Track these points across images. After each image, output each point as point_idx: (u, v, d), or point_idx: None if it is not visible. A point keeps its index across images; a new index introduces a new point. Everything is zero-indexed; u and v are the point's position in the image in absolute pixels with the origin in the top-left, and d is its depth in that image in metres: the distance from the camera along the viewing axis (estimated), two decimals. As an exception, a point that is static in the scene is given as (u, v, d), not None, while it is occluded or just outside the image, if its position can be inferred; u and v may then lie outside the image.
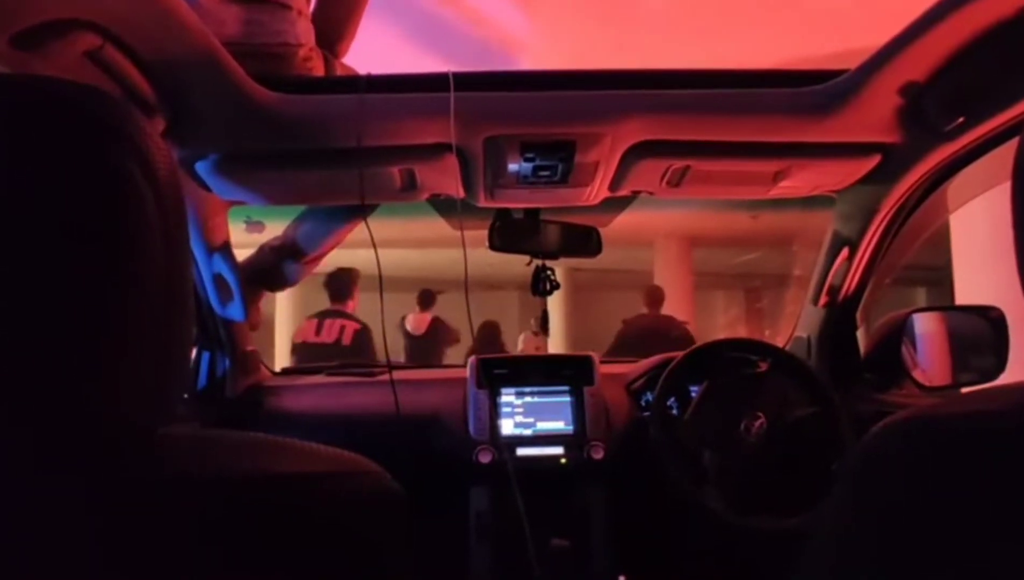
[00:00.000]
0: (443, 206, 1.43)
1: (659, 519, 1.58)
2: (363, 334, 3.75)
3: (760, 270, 9.64)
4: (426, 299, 5.42)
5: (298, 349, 3.70)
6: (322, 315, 3.82)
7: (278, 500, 0.51)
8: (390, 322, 1.28)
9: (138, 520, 0.46)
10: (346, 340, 3.68)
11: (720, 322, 11.79)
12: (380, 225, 1.27)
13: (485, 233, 1.44)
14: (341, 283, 3.92)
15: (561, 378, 1.64)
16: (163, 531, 0.47)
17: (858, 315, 1.60)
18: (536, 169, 1.21)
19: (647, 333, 4.28)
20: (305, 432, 1.39)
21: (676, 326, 4.57)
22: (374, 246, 1.20)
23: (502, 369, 1.65)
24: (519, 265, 1.52)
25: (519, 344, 8.36)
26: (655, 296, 4.76)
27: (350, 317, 3.84)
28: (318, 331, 3.71)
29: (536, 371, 1.66)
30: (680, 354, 1.54)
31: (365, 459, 0.57)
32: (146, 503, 0.47)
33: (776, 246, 7.31)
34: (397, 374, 1.58)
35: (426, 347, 4.91)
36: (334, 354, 3.45)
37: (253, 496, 0.50)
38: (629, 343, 4.36)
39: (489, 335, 4.34)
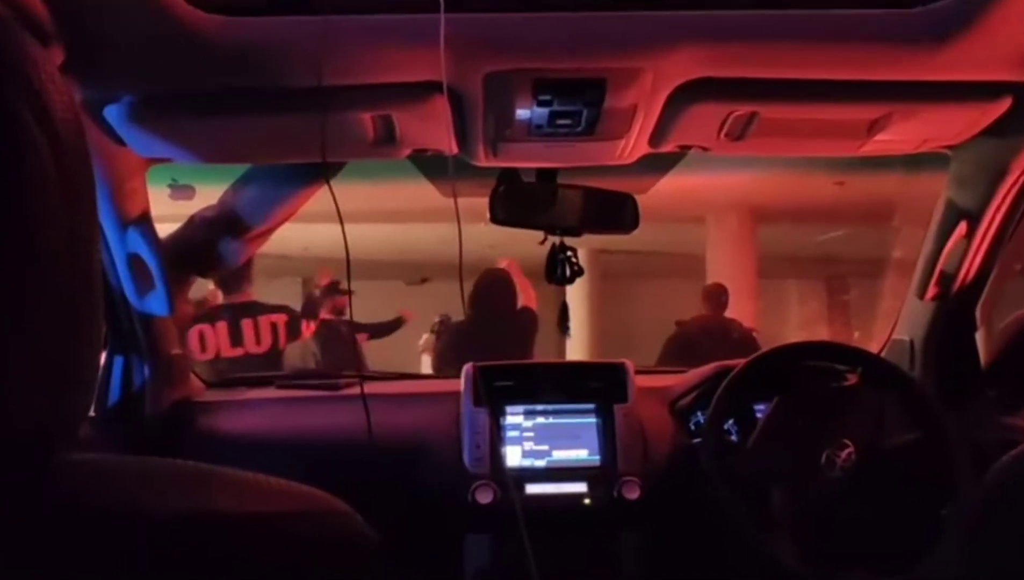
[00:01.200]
0: (430, 166, 1.43)
1: (713, 577, 1.59)
2: (295, 326, 3.60)
3: (847, 253, 9.61)
4: None
5: (215, 369, 3.41)
6: (231, 313, 3.39)
7: (214, 545, 0.51)
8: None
9: (26, 565, 0.46)
10: (284, 341, 3.46)
11: (793, 320, 11.80)
12: (348, 191, 1.26)
13: (485, 202, 1.45)
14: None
15: (585, 393, 1.65)
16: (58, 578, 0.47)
17: (978, 312, 1.59)
18: (553, 116, 1.21)
19: (704, 337, 4.33)
20: (249, 462, 1.40)
21: (737, 329, 4.66)
22: (340, 219, 1.20)
23: (507, 380, 1.65)
24: (530, 244, 1.52)
25: (420, 345, 8.38)
26: (717, 297, 4.83)
27: (269, 307, 3.54)
28: (236, 339, 3.41)
29: (552, 383, 1.67)
30: (741, 362, 1.55)
31: (329, 496, 0.57)
32: (38, 544, 0.47)
33: (869, 221, 7.28)
34: (371, 386, 1.59)
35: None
36: (276, 368, 3.35)
37: (181, 538, 0.50)
38: (683, 351, 4.40)
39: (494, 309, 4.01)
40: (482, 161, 1.38)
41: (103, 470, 0.53)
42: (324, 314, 5.34)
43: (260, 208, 1.64)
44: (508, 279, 3.85)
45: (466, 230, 1.17)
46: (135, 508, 0.50)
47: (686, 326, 4.75)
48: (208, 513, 0.53)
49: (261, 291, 3.92)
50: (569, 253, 1.50)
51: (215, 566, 0.51)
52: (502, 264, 4.12)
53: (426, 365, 6.45)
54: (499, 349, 3.27)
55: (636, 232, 1.52)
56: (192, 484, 0.55)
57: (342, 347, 4.17)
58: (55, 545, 0.47)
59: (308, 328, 4.07)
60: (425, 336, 8.71)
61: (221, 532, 0.52)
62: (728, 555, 1.51)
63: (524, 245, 1.50)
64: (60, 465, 0.51)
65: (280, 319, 3.43)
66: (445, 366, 3.84)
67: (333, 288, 5.43)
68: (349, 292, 1.33)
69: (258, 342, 3.32)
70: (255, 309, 3.42)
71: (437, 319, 8.57)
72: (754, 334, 4.71)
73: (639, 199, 1.53)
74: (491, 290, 3.72)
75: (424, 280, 5.50)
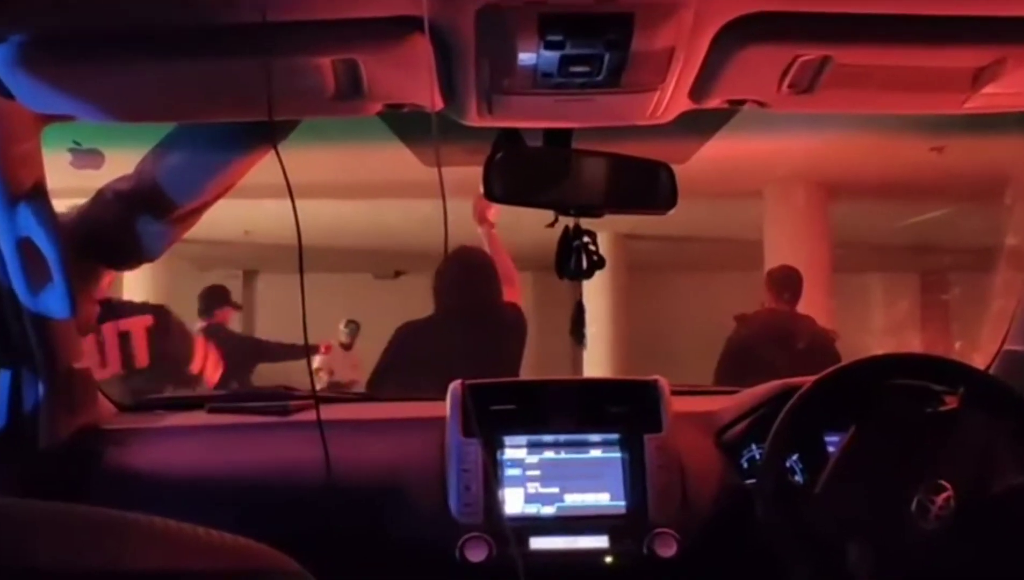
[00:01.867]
0: (408, 126, 1.44)
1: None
2: (163, 334, 3.35)
3: (947, 239, 9.62)
4: None
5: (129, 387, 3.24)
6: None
7: None
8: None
9: None
10: (144, 356, 3.04)
11: (876, 326, 11.82)
12: (302, 158, 1.26)
13: (478, 172, 1.45)
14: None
15: (607, 419, 1.67)
16: None
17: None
18: (566, 62, 1.20)
19: (770, 341, 4.26)
20: (173, 506, 1.40)
21: (813, 331, 4.57)
22: (290, 194, 1.21)
23: (506, 402, 1.67)
24: (536, 226, 1.52)
25: (316, 361, 8.34)
26: (788, 282, 4.71)
27: (127, 307, 3.36)
28: None
29: (565, 407, 1.68)
30: (808, 380, 1.55)
31: (274, 551, 0.57)
32: None
33: (975, 199, 7.27)
34: (329, 410, 1.61)
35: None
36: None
37: None
38: (744, 361, 4.34)
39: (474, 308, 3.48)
40: (474, 119, 1.38)
41: None
42: (205, 322, 5.46)
43: (188, 180, 1.64)
44: (486, 263, 3.50)
45: (454, 209, 1.17)
46: (24, 564, 0.51)
47: (748, 324, 4.67)
48: (118, 572, 0.53)
49: (189, 287, 3.94)
50: (586, 239, 1.50)
51: None
52: (480, 226, 3.73)
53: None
54: (472, 364, 3.07)
55: (673, 211, 1.52)
56: (98, 535, 0.55)
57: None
58: None
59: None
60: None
61: None
62: (790, 629, 1.54)
63: (528, 228, 1.51)
64: None
65: (138, 325, 3.04)
66: (386, 387, 3.43)
67: (217, 295, 5.62)
68: (302, 287, 1.33)
69: (103, 362, 2.86)
70: (107, 311, 2.94)
71: (344, 325, 8.60)
72: (834, 339, 4.60)
73: (677, 169, 1.53)
74: (462, 277, 3.42)
75: (398, 273, 5.52)
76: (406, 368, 3.23)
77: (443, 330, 3.31)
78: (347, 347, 8.75)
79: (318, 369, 8.00)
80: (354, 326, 8.67)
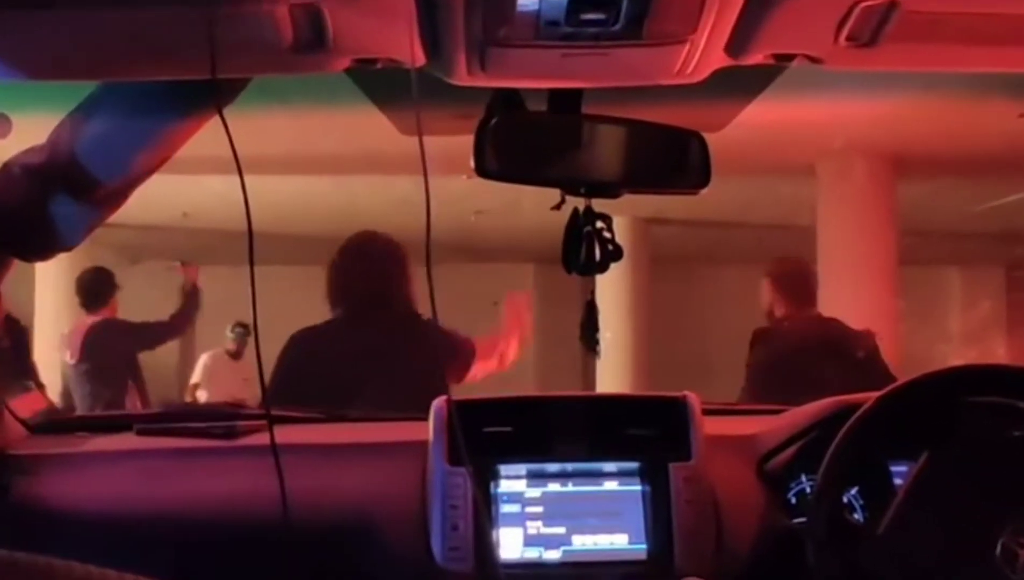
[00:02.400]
0: (382, 86, 1.44)
1: None
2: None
3: (1040, 225, 9.63)
4: None
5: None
6: None
7: None
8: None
9: None
10: None
11: (953, 330, 11.82)
12: (252, 126, 1.26)
13: (468, 143, 1.45)
14: None
15: (625, 444, 1.68)
16: None
17: None
18: (575, 8, 1.17)
19: (805, 353, 4.21)
20: (96, 547, 1.40)
21: (852, 338, 4.53)
22: (239, 169, 1.20)
23: (502, 424, 1.68)
24: (539, 208, 1.52)
25: (196, 373, 8.39)
26: (801, 280, 4.67)
27: None
28: None
29: (573, 429, 1.70)
30: (869, 397, 1.56)
31: None
32: None
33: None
34: (285, 432, 1.60)
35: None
36: None
37: None
38: (783, 384, 4.25)
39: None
40: (464, 78, 1.37)
41: None
42: (93, 318, 5.43)
43: (114, 151, 1.64)
44: (395, 252, 3.42)
45: (441, 188, 1.17)
46: None
47: (775, 331, 4.58)
48: None
49: (119, 280, 3.95)
50: (600, 224, 1.50)
51: None
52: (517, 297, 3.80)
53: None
54: (380, 380, 2.98)
55: (706, 191, 1.51)
56: None
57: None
58: None
59: None
60: (203, 359, 8.64)
61: None
62: None
63: (531, 212, 1.51)
64: None
65: None
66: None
67: (103, 281, 5.61)
68: (252, 280, 1.33)
69: None
70: None
71: (230, 329, 8.34)
72: (877, 344, 4.50)
73: (710, 139, 1.53)
74: (362, 269, 3.38)
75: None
76: (301, 385, 3.10)
77: (341, 337, 3.29)
78: (235, 356, 8.50)
79: (195, 384, 7.93)
80: (242, 330, 8.42)
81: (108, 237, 9.81)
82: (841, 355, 4.28)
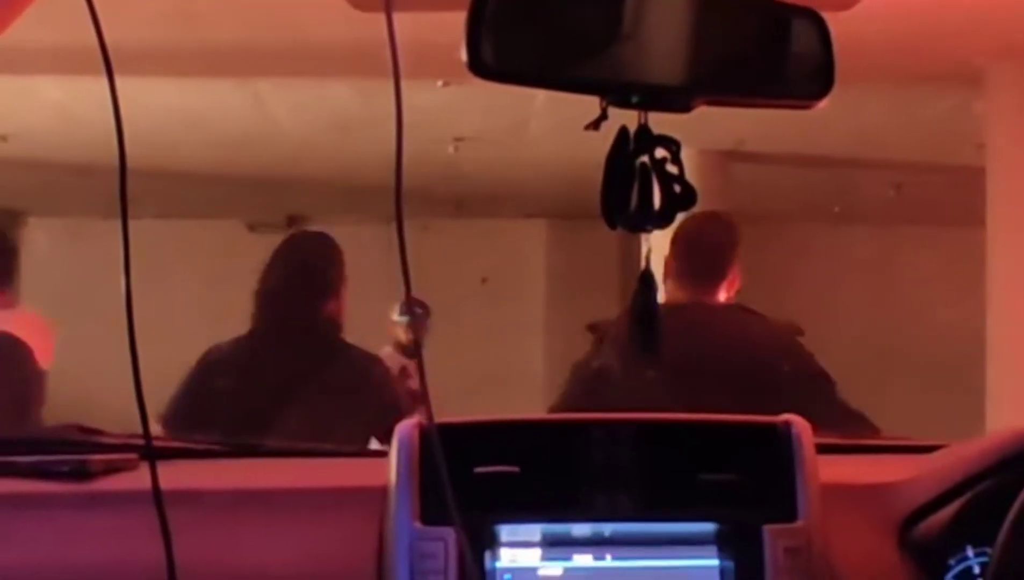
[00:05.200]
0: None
1: None
2: None
3: None
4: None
5: None
6: None
7: None
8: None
9: None
10: None
11: None
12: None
13: (449, 29, 1.43)
14: None
15: (696, 494, 1.71)
16: None
17: None
18: None
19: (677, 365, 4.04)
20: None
21: (765, 336, 4.60)
22: (107, 67, 1.21)
23: (504, 461, 1.71)
24: (557, 133, 1.51)
25: None
26: (705, 249, 4.75)
27: None
28: None
29: (612, 471, 1.72)
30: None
31: None
32: None
33: None
34: (172, 472, 1.59)
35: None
36: None
37: None
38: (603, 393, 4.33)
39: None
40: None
41: None
42: None
43: None
44: (333, 254, 4.16)
45: (406, 102, 1.19)
46: None
47: (608, 330, 4.60)
48: None
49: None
50: (661, 154, 1.48)
51: None
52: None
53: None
54: (295, 411, 3.39)
55: (824, 106, 1.45)
56: None
57: None
58: None
59: None
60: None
61: None
62: None
63: (541, 139, 1.50)
64: None
65: None
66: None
67: None
68: (126, 250, 1.34)
69: None
70: None
71: (398, 313, 8.44)
72: (802, 344, 4.55)
73: (834, 23, 1.50)
74: (295, 275, 4.06)
75: (293, 220, 5.60)
76: (206, 413, 3.66)
77: (256, 357, 3.75)
78: (407, 352, 8.50)
79: None
80: (421, 312, 8.42)
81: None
82: (735, 366, 4.32)
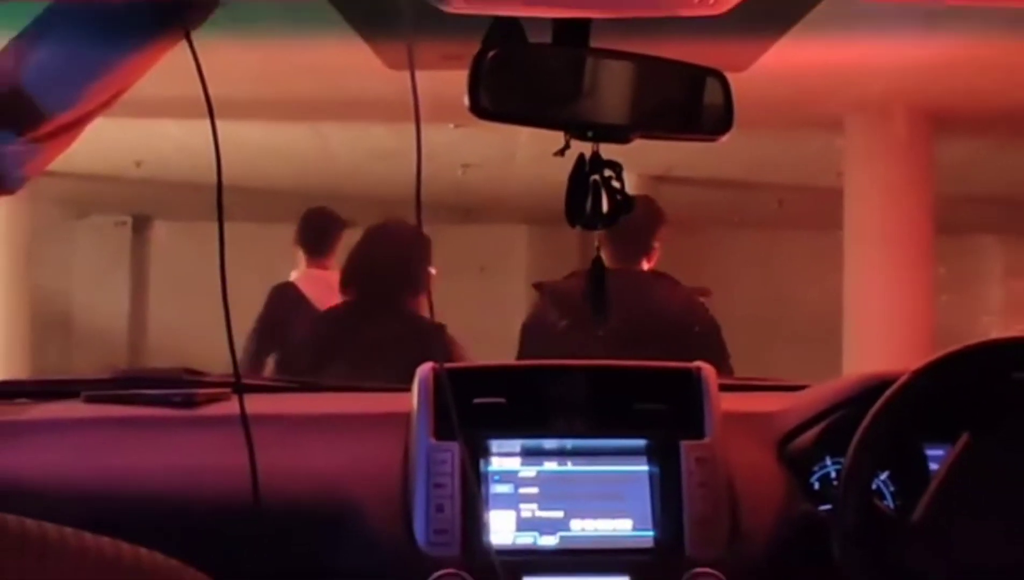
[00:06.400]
0: (365, 13, 1.42)
1: None
2: None
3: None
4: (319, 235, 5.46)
5: None
6: None
7: None
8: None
9: None
10: None
11: (995, 303, 11.84)
12: (217, 61, 1.24)
13: (457, 86, 1.41)
14: None
15: (631, 419, 1.69)
16: None
17: None
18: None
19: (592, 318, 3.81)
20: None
21: (672, 299, 4.19)
22: (209, 106, 1.20)
23: (495, 393, 1.69)
24: (537, 156, 1.52)
25: None
26: (631, 229, 4.00)
27: None
28: None
29: (573, 401, 1.71)
30: (904, 374, 1.54)
31: (187, 569, 0.58)
32: None
33: None
34: (256, 402, 1.61)
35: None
36: None
37: None
38: (544, 341, 4.12)
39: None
40: (458, 4, 1.37)
41: None
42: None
43: (62, 79, 1.62)
44: (414, 242, 3.43)
45: (426, 139, 1.17)
46: None
47: (549, 299, 4.24)
48: None
49: (58, 241, 4.00)
50: (608, 172, 1.49)
51: None
52: None
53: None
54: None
55: (724, 143, 1.51)
56: None
57: None
58: None
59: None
60: None
61: None
62: None
63: (525, 166, 1.50)
64: None
65: None
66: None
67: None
68: (221, 243, 1.32)
69: None
70: None
71: None
72: (705, 306, 4.22)
73: (733, 81, 1.52)
74: (379, 260, 3.56)
75: (345, 224, 5.48)
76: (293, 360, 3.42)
77: (352, 324, 3.41)
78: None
79: None
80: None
81: (52, 188, 9.70)
82: (648, 321, 3.86)
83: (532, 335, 4.20)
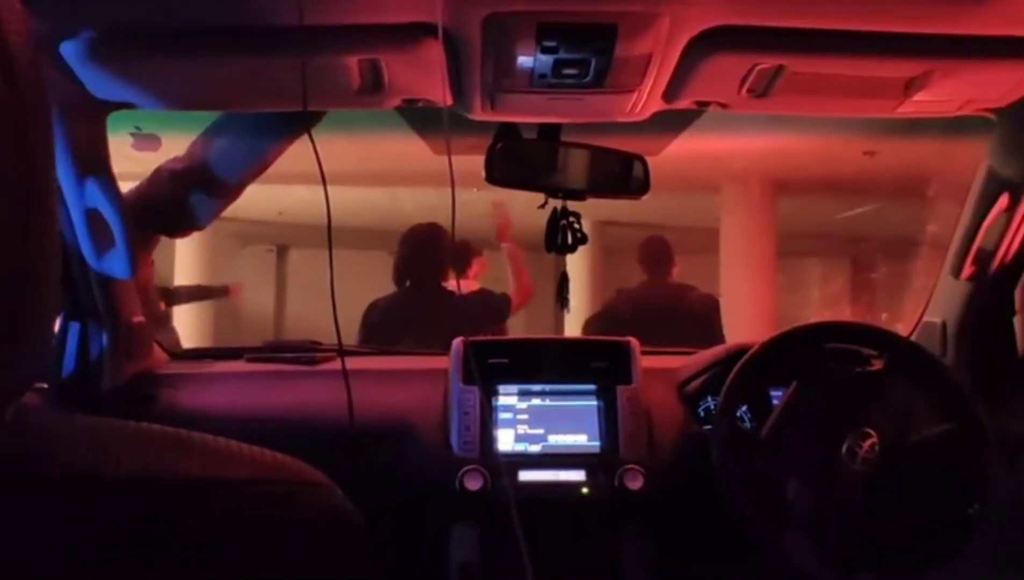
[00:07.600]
0: (420, 119, 1.42)
1: (721, 576, 1.61)
2: None
3: (876, 230, 9.62)
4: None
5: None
6: None
7: (184, 511, 0.51)
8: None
9: None
10: None
11: (814, 299, 11.83)
12: (327, 146, 1.26)
13: (480, 161, 1.44)
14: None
15: (586, 372, 1.68)
16: (10, 547, 0.47)
17: (1017, 294, 1.59)
18: (558, 65, 1.19)
19: (649, 310, 3.88)
20: (216, 440, 1.41)
21: (695, 298, 4.18)
22: (322, 174, 1.20)
23: (501, 357, 1.68)
24: (528, 208, 1.52)
25: None
26: (658, 253, 4.24)
27: None
28: None
29: (550, 362, 1.70)
30: (757, 343, 1.56)
31: (308, 467, 0.58)
32: None
33: (901, 195, 7.25)
34: (351, 362, 1.59)
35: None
36: None
37: (137, 504, 0.51)
38: (615, 324, 3.85)
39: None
40: (478, 114, 1.37)
41: (53, 429, 0.53)
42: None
43: (232, 160, 1.63)
44: (447, 239, 3.24)
45: (457, 196, 1.17)
46: (86, 471, 0.50)
47: (625, 295, 4.16)
48: (177, 477, 0.53)
49: (230, 261, 3.98)
50: (572, 219, 1.50)
51: (183, 534, 0.51)
52: (502, 244, 3.75)
53: None
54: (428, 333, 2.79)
55: (645, 199, 1.52)
56: (152, 446, 0.55)
57: None
58: (6, 507, 0.47)
59: None
60: None
61: (191, 496, 0.52)
62: (738, 553, 1.52)
63: (520, 214, 1.51)
64: (13, 420, 0.51)
65: None
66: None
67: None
68: (331, 262, 1.33)
69: None
70: None
71: None
72: (716, 302, 4.18)
73: (650, 162, 1.53)
74: (419, 254, 3.21)
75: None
76: (377, 333, 3.10)
77: (403, 307, 3.14)
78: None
79: None
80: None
81: (225, 227, 9.77)
82: (675, 309, 3.93)
83: (601, 319, 4.02)
